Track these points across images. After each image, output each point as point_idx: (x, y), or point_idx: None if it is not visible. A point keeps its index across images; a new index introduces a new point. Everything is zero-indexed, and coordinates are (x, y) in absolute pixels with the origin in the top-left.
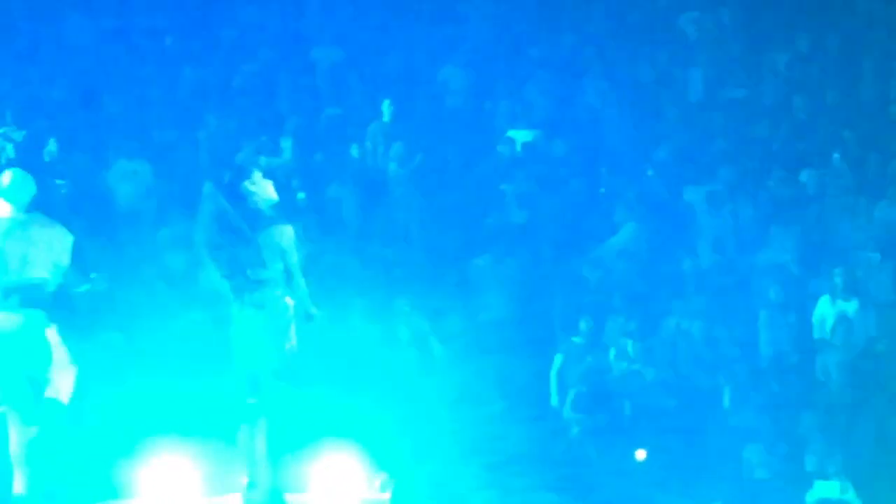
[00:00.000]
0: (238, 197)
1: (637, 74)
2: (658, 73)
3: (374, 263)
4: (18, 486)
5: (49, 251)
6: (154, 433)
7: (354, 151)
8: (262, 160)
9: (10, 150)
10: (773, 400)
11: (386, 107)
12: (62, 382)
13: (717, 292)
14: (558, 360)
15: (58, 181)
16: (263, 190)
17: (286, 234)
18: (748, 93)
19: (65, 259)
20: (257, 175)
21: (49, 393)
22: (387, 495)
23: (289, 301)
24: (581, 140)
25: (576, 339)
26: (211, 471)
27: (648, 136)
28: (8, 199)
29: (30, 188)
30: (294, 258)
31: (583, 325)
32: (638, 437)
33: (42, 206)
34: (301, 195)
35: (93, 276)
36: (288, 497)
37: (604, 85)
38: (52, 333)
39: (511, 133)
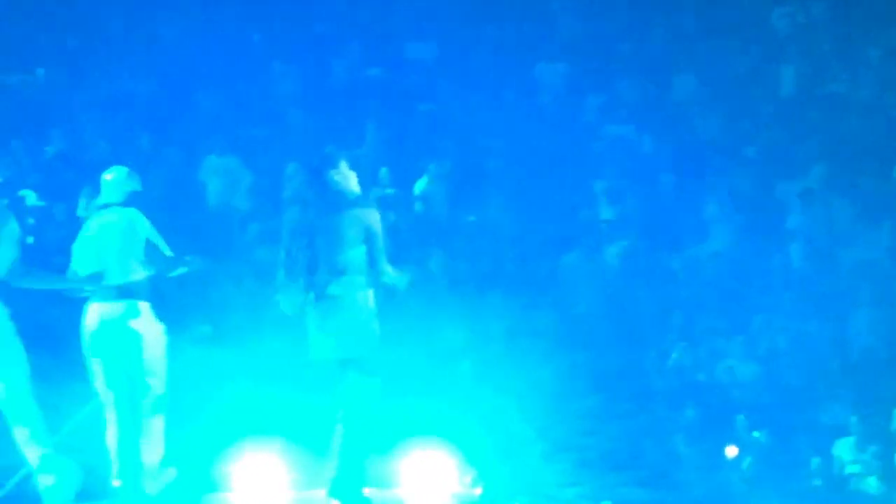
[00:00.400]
0: (322, 183)
1: (729, 70)
2: (750, 69)
3: (464, 259)
4: (115, 477)
5: (144, 244)
6: (243, 427)
7: (445, 147)
8: (349, 153)
9: (103, 146)
10: (864, 396)
11: (475, 103)
12: (157, 374)
13: (809, 288)
14: (650, 355)
15: (150, 177)
16: (347, 180)
17: (371, 217)
18: (841, 88)
19: (160, 251)
20: (343, 165)
21: (145, 384)
22: (478, 491)
23: (369, 290)
24: (671, 136)
25: (667, 335)
26: (299, 465)
27: (740, 132)
28: (110, 192)
29: (132, 184)
30: (379, 243)
31: (675, 321)
32: (729, 433)
33: (138, 201)
34: (390, 190)
35: (188, 258)
36: (379, 493)
37: (694, 81)
38: (147, 324)
39: (602, 129)
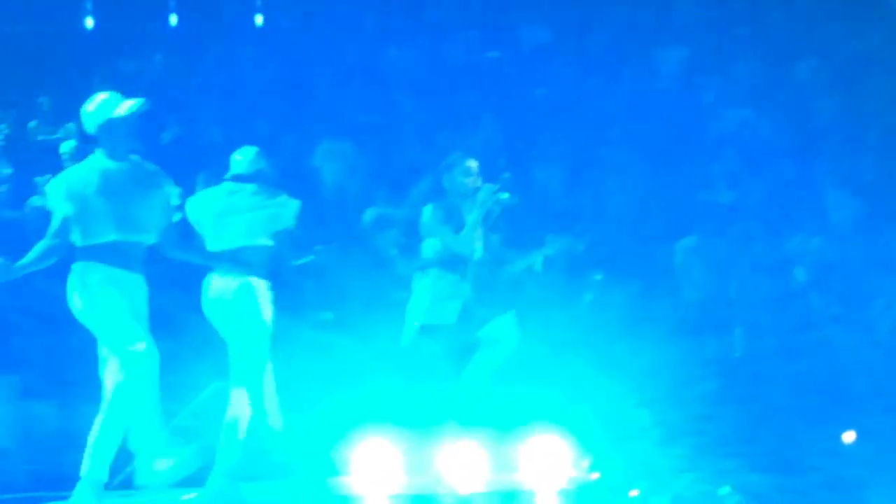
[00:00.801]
0: (451, 180)
1: (849, 52)
2: (870, 51)
3: (581, 244)
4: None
5: (274, 221)
6: (361, 413)
7: (558, 132)
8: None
9: (216, 132)
10: None
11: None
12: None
13: None
14: (769, 340)
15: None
16: (472, 177)
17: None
18: None
19: (287, 230)
20: (470, 163)
21: (266, 363)
22: (594, 476)
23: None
24: (791, 119)
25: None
26: (412, 450)
27: (860, 115)
28: (238, 171)
29: (259, 162)
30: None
31: (793, 307)
32: (847, 418)
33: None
34: (506, 174)
35: (317, 248)
36: (497, 477)
37: (814, 63)
38: (267, 302)
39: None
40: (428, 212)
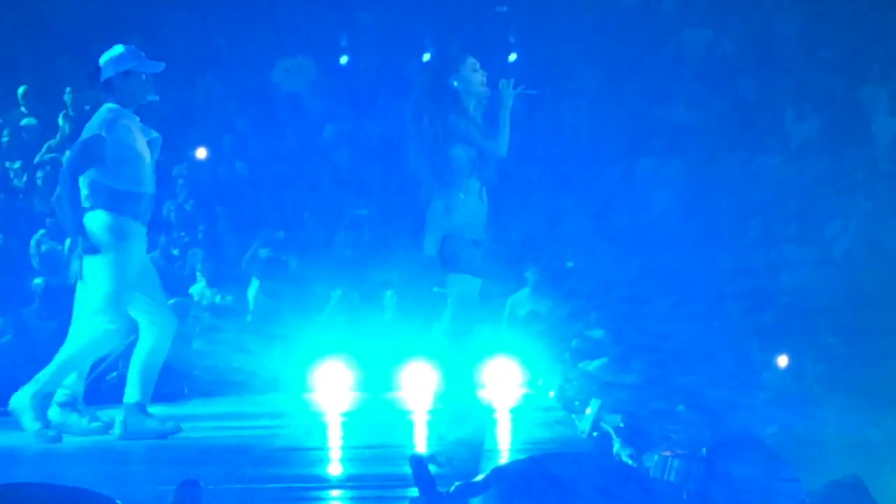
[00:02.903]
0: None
1: None
2: None
3: (538, 162)
4: None
5: None
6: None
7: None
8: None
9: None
10: None
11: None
12: None
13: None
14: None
15: None
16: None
17: None
18: None
19: None
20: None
21: None
22: (551, 394)
23: None
24: (748, 36)
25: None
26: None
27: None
28: None
29: None
30: None
31: (752, 226)
32: (802, 336)
33: None
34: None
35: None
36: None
37: None
38: None
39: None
40: (452, 119)
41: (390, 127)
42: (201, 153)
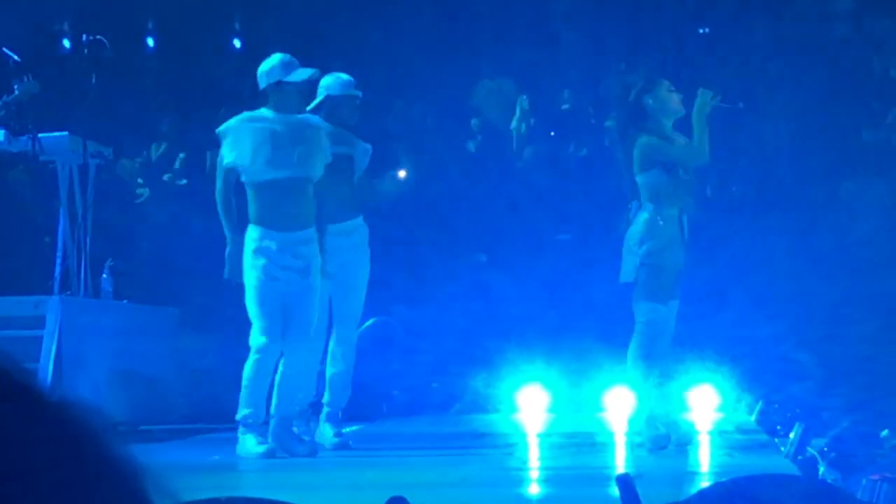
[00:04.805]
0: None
1: None
2: None
3: (740, 184)
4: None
5: None
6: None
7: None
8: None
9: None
10: None
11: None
12: None
13: None
14: None
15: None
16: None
17: None
18: None
19: None
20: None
21: None
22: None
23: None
24: None
25: None
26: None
27: None
28: None
29: None
30: None
31: None
32: None
33: None
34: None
35: None
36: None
37: None
38: None
39: None
40: (644, 141)
41: (590, 148)
42: (402, 174)
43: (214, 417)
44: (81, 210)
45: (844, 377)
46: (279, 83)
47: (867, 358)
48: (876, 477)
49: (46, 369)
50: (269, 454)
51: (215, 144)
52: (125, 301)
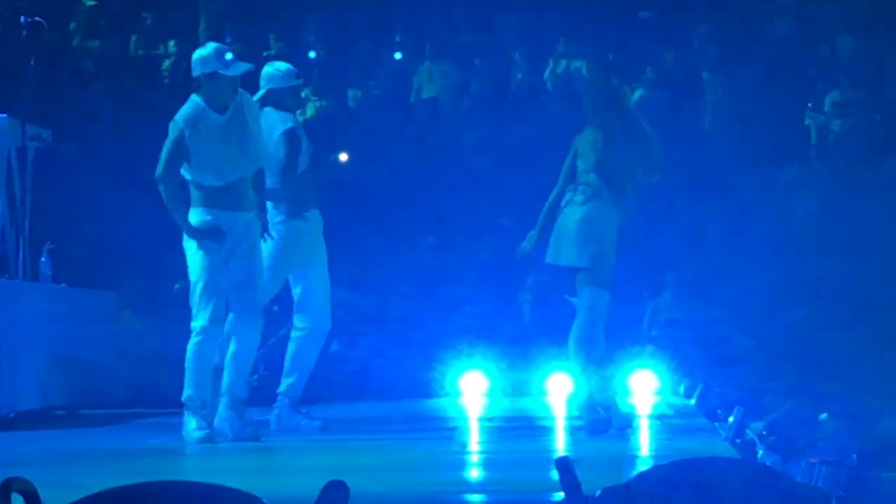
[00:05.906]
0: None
1: None
2: None
3: (680, 168)
4: None
5: None
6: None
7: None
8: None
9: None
10: None
11: None
12: None
13: None
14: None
15: None
16: None
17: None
18: None
19: None
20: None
21: None
22: (692, 401)
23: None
24: None
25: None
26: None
27: None
28: None
29: None
30: None
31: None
32: None
33: None
34: None
35: None
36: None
37: None
38: None
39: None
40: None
41: (530, 133)
42: (343, 157)
43: (153, 402)
44: (20, 193)
45: (783, 361)
46: (214, 74)
47: (806, 342)
48: (815, 460)
49: None
50: (206, 439)
51: (157, 128)
52: (64, 284)
